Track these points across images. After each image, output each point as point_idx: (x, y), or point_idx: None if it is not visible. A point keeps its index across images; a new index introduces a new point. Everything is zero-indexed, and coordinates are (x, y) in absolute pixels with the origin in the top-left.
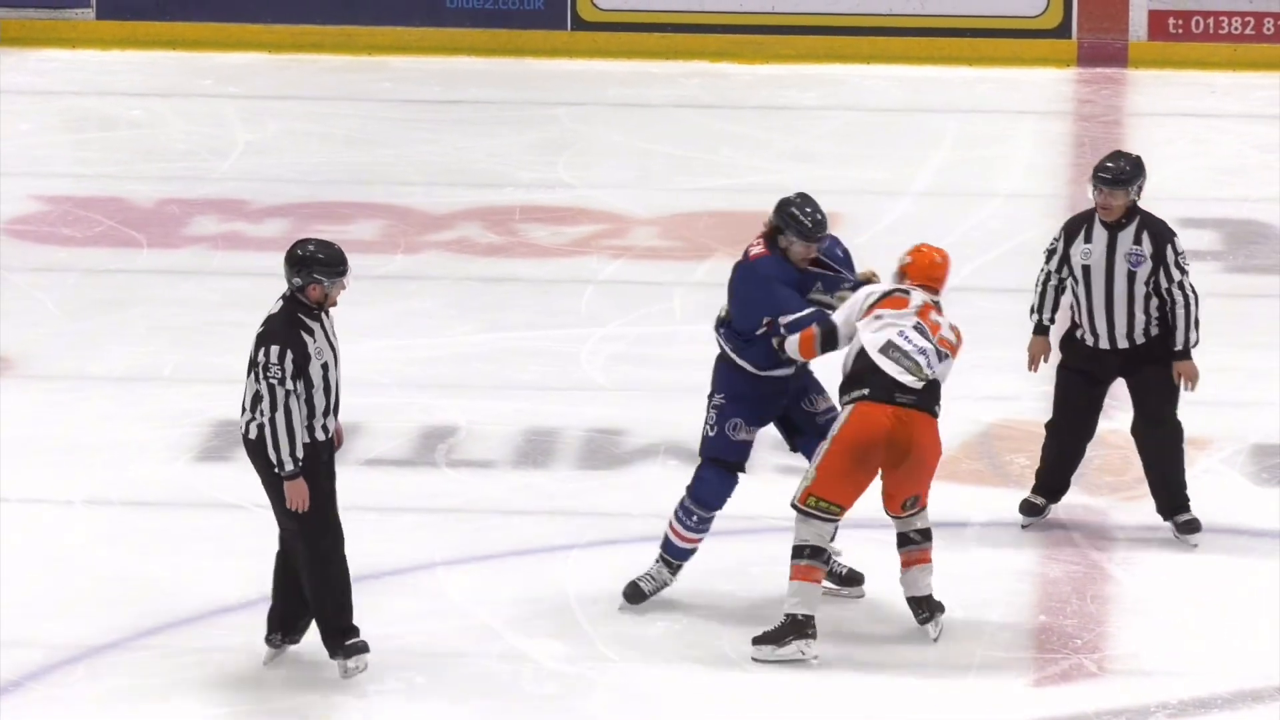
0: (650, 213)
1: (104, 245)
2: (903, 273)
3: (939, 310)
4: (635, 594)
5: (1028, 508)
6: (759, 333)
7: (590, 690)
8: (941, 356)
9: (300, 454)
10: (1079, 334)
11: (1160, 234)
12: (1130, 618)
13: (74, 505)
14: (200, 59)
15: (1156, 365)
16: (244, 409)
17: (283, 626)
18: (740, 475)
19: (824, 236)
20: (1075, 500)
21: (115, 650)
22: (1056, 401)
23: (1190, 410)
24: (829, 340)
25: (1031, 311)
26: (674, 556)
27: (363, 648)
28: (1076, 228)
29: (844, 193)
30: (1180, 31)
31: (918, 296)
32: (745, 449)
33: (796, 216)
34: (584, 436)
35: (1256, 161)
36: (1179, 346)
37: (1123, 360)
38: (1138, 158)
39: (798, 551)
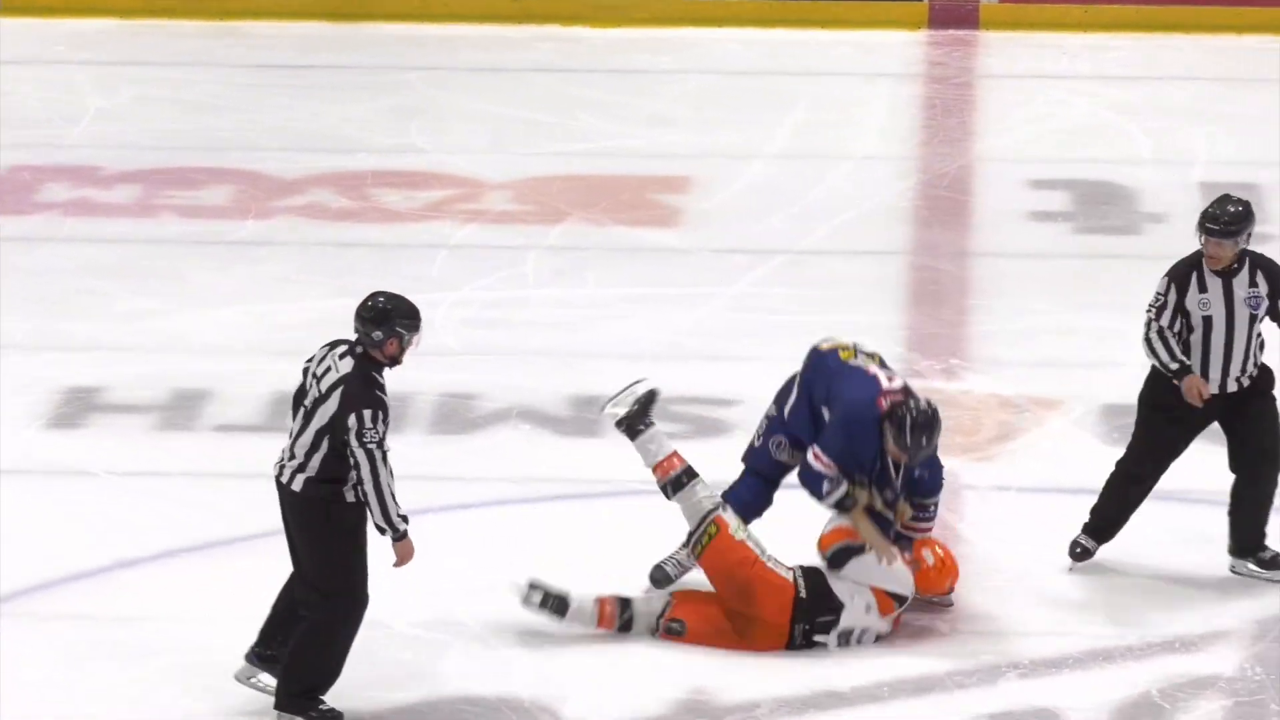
0: (503, 177)
1: None
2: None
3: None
4: (662, 578)
5: (1079, 552)
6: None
7: (446, 656)
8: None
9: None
10: None
11: (1273, 271)
12: (981, 579)
13: None
14: (52, 25)
15: (1259, 400)
16: (290, 455)
17: (265, 643)
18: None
19: (917, 457)
20: None
21: None
22: (1137, 439)
23: (1040, 372)
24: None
25: (1165, 368)
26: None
27: (338, 716)
28: (1185, 277)
29: (698, 156)
30: None
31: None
32: (784, 469)
33: (902, 421)
34: (437, 401)
35: (1108, 123)
36: None
37: (1226, 403)
38: (1247, 204)
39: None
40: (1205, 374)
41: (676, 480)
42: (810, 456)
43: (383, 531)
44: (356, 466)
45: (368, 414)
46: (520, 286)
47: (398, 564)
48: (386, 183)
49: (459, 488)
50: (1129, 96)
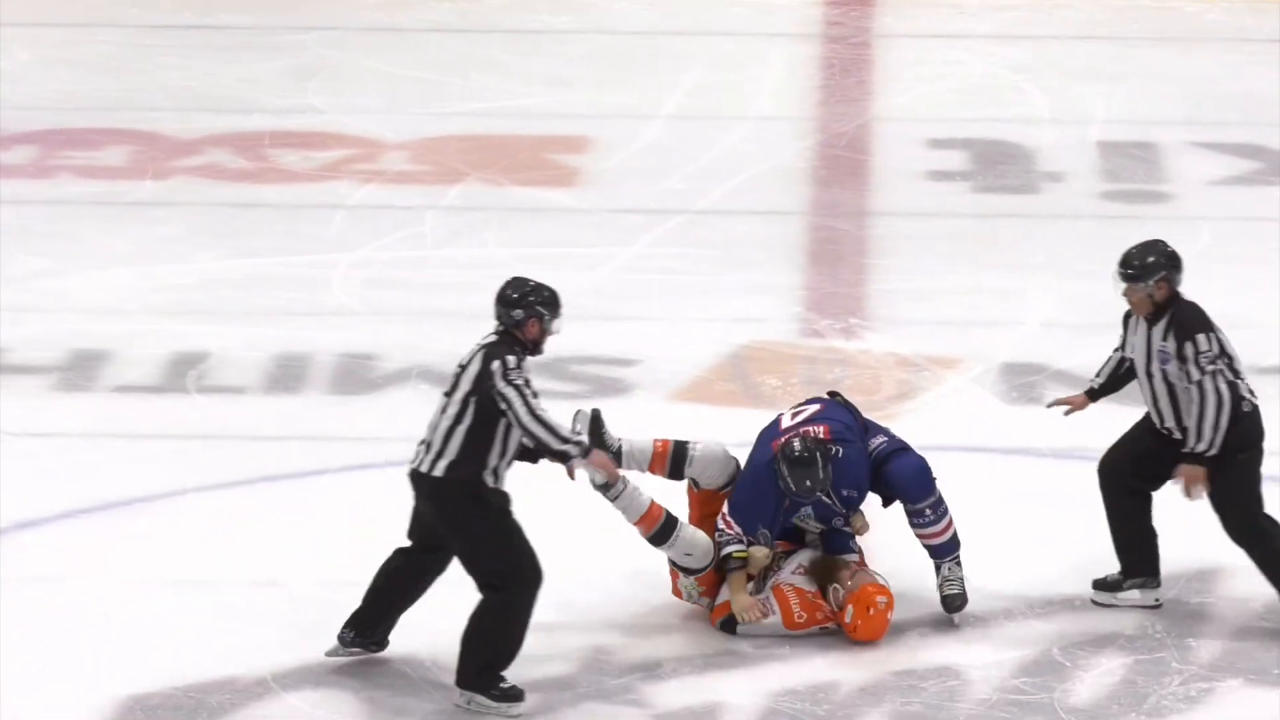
0: (401, 137)
1: None
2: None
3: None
4: None
5: (1100, 581)
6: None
7: (343, 615)
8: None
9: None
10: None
11: (1182, 329)
12: (881, 539)
13: None
14: None
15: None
16: (427, 445)
17: (358, 627)
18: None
19: (811, 490)
20: None
21: None
22: (1119, 440)
23: (939, 330)
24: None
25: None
26: None
27: (519, 695)
28: (1129, 315)
29: (595, 116)
30: None
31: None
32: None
33: (782, 465)
34: (335, 361)
35: (1005, 82)
36: (1187, 448)
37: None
38: (1164, 252)
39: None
40: (1152, 410)
41: (660, 535)
42: (720, 521)
43: (566, 458)
44: (509, 406)
45: (511, 359)
46: (418, 247)
47: (608, 475)
48: (284, 143)
49: (357, 448)
50: (1026, 55)
